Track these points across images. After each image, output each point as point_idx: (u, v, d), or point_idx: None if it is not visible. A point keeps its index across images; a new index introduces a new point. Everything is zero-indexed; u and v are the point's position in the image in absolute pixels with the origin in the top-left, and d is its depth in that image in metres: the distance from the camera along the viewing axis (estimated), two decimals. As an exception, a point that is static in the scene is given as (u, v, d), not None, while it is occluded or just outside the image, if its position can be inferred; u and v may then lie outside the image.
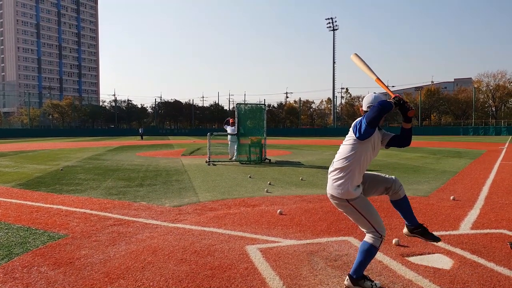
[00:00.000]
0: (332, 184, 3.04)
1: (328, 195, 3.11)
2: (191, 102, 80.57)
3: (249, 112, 14.13)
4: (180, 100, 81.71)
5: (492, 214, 5.61)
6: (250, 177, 9.69)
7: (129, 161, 14.50)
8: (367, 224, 3.02)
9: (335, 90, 78.21)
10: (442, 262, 3.65)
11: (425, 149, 21.38)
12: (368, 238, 3.03)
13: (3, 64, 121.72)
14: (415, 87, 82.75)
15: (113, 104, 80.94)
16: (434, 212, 5.74)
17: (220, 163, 13.46)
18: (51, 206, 6.24)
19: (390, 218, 5.24)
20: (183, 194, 7.28)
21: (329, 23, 77.55)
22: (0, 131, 58.53)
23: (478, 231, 4.71)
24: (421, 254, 3.85)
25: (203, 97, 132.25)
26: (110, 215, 5.58)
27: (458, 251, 3.95)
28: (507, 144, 26.53)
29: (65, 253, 3.91)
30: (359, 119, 2.95)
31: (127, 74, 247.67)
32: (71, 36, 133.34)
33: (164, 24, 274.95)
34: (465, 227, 4.93)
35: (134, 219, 5.34)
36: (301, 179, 9.30)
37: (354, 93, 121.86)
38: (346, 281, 3.06)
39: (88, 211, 5.85)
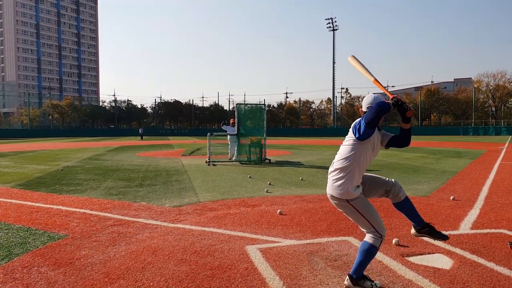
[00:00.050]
0: (332, 184, 3.05)
1: (328, 195, 3.12)
2: (191, 102, 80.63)
3: (249, 112, 14.14)
4: (180, 100, 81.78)
5: (492, 214, 5.61)
6: (250, 177, 9.69)
7: (129, 161, 14.50)
8: (367, 224, 3.02)
9: (335, 90, 78.44)
10: (442, 262, 3.65)
11: (425, 149, 21.39)
12: (368, 238, 3.04)
13: (2, 65, 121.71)
14: (415, 87, 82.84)
15: (113, 104, 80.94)
16: (434, 212, 5.74)
17: (220, 163, 13.47)
18: (51, 206, 6.24)
19: (390, 218, 5.24)
20: (183, 194, 7.28)
21: (329, 23, 77.64)
22: (0, 131, 58.54)
23: (478, 231, 4.71)
24: (421, 254, 3.85)
25: (203, 97, 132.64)
26: (110, 215, 5.58)
27: (458, 251, 3.95)
28: (507, 144, 26.53)
29: (65, 253, 3.91)
30: (358, 119, 2.96)
31: (127, 74, 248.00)
32: (71, 36, 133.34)
33: (164, 24, 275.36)
34: (465, 227, 4.93)
35: (134, 219, 5.34)
36: (301, 179, 9.30)
37: (354, 93, 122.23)
38: (346, 281, 3.06)
39: (88, 211, 5.85)
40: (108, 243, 4.23)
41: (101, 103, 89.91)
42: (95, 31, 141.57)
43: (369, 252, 3.01)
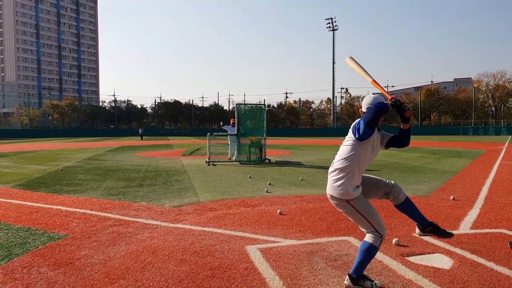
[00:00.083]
0: (331, 185, 3.05)
1: (328, 196, 3.12)
2: (191, 102, 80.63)
3: (249, 112, 14.14)
4: (180, 100, 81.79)
5: (491, 213, 5.61)
6: (250, 177, 9.69)
7: (129, 162, 14.50)
8: (367, 224, 3.03)
9: (335, 90, 78.43)
10: (442, 261, 3.65)
11: (425, 149, 21.39)
12: (368, 238, 3.04)
13: (2, 65, 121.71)
14: (415, 87, 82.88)
15: (113, 104, 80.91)
16: (434, 212, 5.75)
17: (220, 163, 13.47)
18: (51, 206, 6.24)
19: (390, 218, 5.25)
20: (183, 194, 7.29)
21: (329, 23, 77.65)
22: (0, 131, 58.54)
23: (478, 231, 4.71)
24: (421, 254, 3.86)
25: (203, 97, 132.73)
26: (110, 215, 5.58)
27: (458, 250, 3.95)
28: (506, 144, 26.54)
29: (65, 253, 3.91)
30: (358, 120, 2.97)
31: (127, 74, 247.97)
32: (71, 36, 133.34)
33: (163, 24, 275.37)
34: (465, 227, 4.93)
35: (134, 219, 5.34)
36: (301, 179, 9.31)
37: (353, 93, 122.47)
38: (346, 281, 3.07)
39: (88, 211, 5.85)
40: (108, 243, 4.23)
41: (101, 103, 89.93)
42: (95, 31, 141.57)
43: (369, 252, 3.01)
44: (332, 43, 78.16)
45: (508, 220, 5.22)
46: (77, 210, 5.95)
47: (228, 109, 79.96)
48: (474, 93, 63.66)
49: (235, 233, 4.64)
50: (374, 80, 3.26)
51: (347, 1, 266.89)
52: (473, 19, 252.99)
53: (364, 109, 3.07)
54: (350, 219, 3.14)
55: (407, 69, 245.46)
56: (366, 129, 2.85)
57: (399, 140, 3.09)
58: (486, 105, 70.18)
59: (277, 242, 4.29)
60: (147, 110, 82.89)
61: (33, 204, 6.45)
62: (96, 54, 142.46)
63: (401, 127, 3.03)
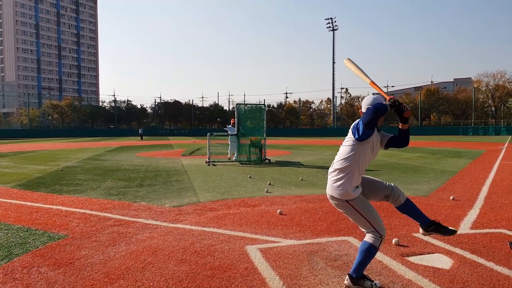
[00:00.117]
0: (331, 185, 3.06)
1: (328, 196, 3.12)
2: (190, 102, 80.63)
3: (249, 112, 14.14)
4: (179, 100, 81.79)
5: (491, 213, 5.61)
6: (250, 177, 9.70)
7: (129, 162, 14.50)
8: (367, 224, 3.03)
9: (335, 90, 78.43)
10: (441, 261, 3.66)
11: (424, 149, 21.40)
12: (368, 238, 3.04)
13: (2, 65, 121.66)
14: (415, 87, 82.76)
15: (113, 104, 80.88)
16: (433, 212, 5.75)
17: (220, 163, 13.47)
18: (51, 206, 6.24)
19: (390, 218, 5.25)
20: (183, 195, 7.29)
21: (329, 23, 77.66)
22: (0, 131, 58.52)
23: (477, 231, 4.72)
24: (420, 254, 3.86)
25: (202, 97, 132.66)
26: (110, 215, 5.58)
27: (457, 250, 3.95)
28: (506, 144, 26.55)
29: (65, 253, 3.92)
30: (357, 120, 2.98)
31: (127, 74, 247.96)
32: (71, 36, 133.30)
33: (163, 24, 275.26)
34: (464, 226, 4.94)
35: (134, 219, 5.34)
36: (301, 179, 9.31)
37: (353, 93, 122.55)
38: (346, 281, 3.07)
39: (88, 211, 5.85)
40: (108, 243, 4.23)
41: (100, 103, 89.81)
42: (94, 31, 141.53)
43: (369, 252, 3.01)
44: (332, 43, 78.27)
45: (508, 220, 5.22)
46: (77, 210, 5.95)
47: (228, 109, 79.98)
48: (474, 93, 63.68)
49: (235, 233, 4.64)
50: (372, 81, 3.28)
51: (347, 1, 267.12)
52: (473, 19, 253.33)
53: (364, 110, 3.08)
54: (350, 219, 3.15)
55: (407, 69, 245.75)
56: (365, 130, 2.86)
57: (399, 141, 3.09)
58: (486, 105, 70.20)
59: (277, 242, 4.29)
60: (147, 110, 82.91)
61: (33, 204, 6.45)
62: (96, 54, 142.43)
63: (400, 127, 3.04)
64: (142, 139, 45.15)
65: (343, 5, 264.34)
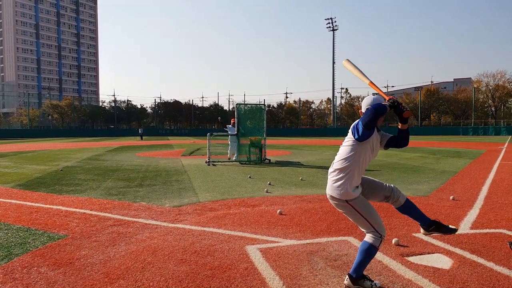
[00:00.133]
0: (331, 185, 3.06)
1: (328, 196, 3.12)
2: (190, 102, 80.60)
3: (249, 112, 14.14)
4: (179, 100, 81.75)
5: (491, 214, 5.62)
6: (250, 177, 9.70)
7: (128, 162, 14.51)
8: (367, 224, 3.03)
9: (335, 90, 78.42)
10: (441, 261, 3.66)
11: (424, 149, 21.40)
12: (368, 238, 3.05)
13: (2, 65, 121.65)
14: (415, 87, 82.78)
15: (113, 104, 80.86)
16: (433, 212, 5.75)
17: (220, 163, 13.47)
18: (51, 206, 6.24)
19: (390, 218, 5.25)
20: (183, 195, 7.29)
21: (329, 23, 77.65)
22: (0, 131, 58.51)
23: (477, 231, 4.72)
24: (420, 254, 3.86)
25: (202, 97, 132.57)
26: (110, 215, 5.58)
27: (457, 250, 3.96)
28: (506, 144, 26.56)
29: (65, 253, 3.92)
30: (357, 120, 2.98)
31: (127, 74, 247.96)
32: (71, 36, 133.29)
33: (163, 24, 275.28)
34: (464, 227, 4.94)
35: (134, 219, 5.34)
36: (301, 179, 9.31)
37: (353, 93, 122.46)
38: (346, 281, 3.07)
39: (88, 211, 5.86)
40: (108, 243, 4.24)
41: (100, 103, 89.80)
42: (94, 31, 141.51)
43: (369, 252, 3.02)
44: (332, 43, 78.26)
45: (507, 220, 5.22)
46: (77, 210, 5.95)
47: (228, 109, 79.93)
48: (474, 93, 63.67)
49: (235, 233, 4.64)
50: (371, 82, 3.29)
51: (347, 1, 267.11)
52: (473, 19, 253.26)
53: (363, 110, 3.08)
54: (350, 219, 3.15)
55: (407, 69, 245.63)
56: (365, 130, 2.86)
57: (398, 141, 3.10)
58: (486, 105, 70.19)
59: (277, 242, 4.29)
60: (147, 110, 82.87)
61: (33, 204, 6.45)
62: (96, 54, 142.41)
63: (400, 127, 3.04)
64: (142, 139, 45.15)
65: (343, 5, 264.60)
